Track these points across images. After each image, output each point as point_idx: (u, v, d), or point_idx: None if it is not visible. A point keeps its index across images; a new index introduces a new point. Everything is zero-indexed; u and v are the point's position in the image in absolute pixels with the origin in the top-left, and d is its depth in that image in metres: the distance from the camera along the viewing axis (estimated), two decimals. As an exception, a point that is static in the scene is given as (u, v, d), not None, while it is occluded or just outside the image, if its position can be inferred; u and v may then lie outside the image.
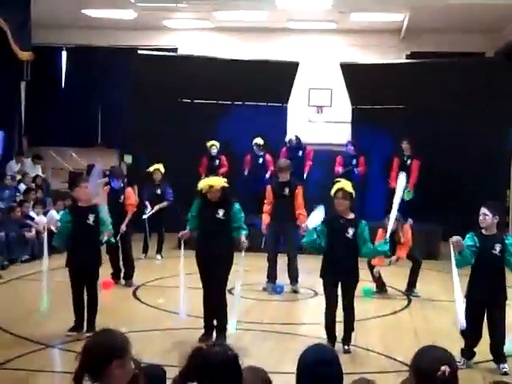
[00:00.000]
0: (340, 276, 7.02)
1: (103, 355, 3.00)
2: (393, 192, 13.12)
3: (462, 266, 6.54)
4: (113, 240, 8.15)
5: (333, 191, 7.06)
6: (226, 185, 7.26)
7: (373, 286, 9.70)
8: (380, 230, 9.52)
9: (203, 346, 2.92)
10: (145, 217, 11.92)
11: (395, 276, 10.14)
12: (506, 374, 6.38)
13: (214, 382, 2.74)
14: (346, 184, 7.08)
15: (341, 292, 7.08)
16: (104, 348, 3.04)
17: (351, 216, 7.03)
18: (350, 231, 6.91)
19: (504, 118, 14.80)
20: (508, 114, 15.16)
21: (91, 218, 7.29)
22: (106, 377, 2.98)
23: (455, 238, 6.45)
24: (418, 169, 13.66)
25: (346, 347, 7.01)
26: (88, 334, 7.03)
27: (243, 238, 7.27)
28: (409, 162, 13.65)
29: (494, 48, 16.99)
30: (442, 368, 2.97)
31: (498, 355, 6.58)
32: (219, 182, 7.27)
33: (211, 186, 7.18)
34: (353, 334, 7.12)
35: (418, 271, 9.80)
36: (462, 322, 6.22)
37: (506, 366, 6.51)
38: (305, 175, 13.74)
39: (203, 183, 7.27)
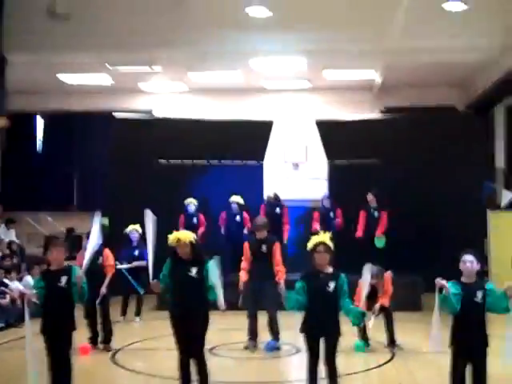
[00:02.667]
0: (322, 331, 6.89)
1: None
2: (361, 243, 13.32)
3: (448, 310, 6.48)
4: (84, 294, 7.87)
5: (311, 245, 6.99)
6: (194, 240, 7.12)
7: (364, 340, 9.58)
8: (360, 282, 9.47)
9: None
10: (119, 267, 11.70)
11: (377, 328, 10.00)
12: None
13: None
14: (325, 237, 7.02)
15: (323, 347, 6.94)
16: None
17: (330, 270, 6.95)
18: (331, 285, 6.81)
19: (477, 169, 15.01)
20: (481, 165, 15.40)
21: (63, 280, 7.11)
22: None
23: (441, 281, 6.41)
24: (387, 218, 13.65)
25: (331, 403, 6.84)
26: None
27: (220, 299, 7.11)
28: (376, 213, 13.67)
29: (464, 101, 17.36)
30: None
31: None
32: (187, 235, 7.14)
33: (178, 240, 7.03)
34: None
35: (393, 322, 9.70)
36: (435, 344, 6.11)
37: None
38: (285, 240, 13.63)
39: (171, 237, 7.11)
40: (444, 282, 6.41)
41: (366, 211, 13.73)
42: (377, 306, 9.48)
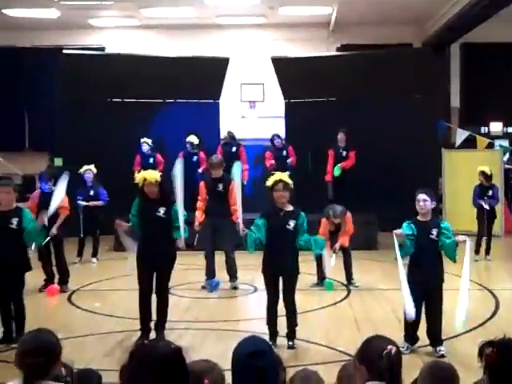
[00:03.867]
0: (281, 270, 6.93)
1: (50, 355, 3.11)
2: (331, 184, 13.37)
3: (405, 255, 6.58)
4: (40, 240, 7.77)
5: (269, 183, 6.96)
6: (159, 179, 7.10)
7: (331, 278, 9.69)
8: (323, 220, 9.54)
9: (145, 342, 2.82)
10: (79, 202, 11.56)
11: (334, 268, 10.10)
12: (443, 356, 6.45)
13: (159, 376, 2.61)
14: (283, 175, 6.99)
15: (282, 286, 6.98)
16: (49, 348, 3.14)
17: (290, 208, 6.93)
18: (291, 223, 6.80)
19: (433, 108, 15.07)
20: (437, 105, 15.46)
21: (14, 221, 6.96)
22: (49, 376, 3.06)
23: (399, 231, 6.48)
24: (355, 158, 13.64)
25: (291, 343, 6.93)
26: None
27: (178, 241, 7.23)
28: (344, 153, 13.63)
29: (421, 39, 17.31)
30: (389, 347, 2.93)
31: (435, 339, 6.67)
32: (154, 175, 7.15)
33: (145, 179, 7.07)
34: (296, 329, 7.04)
35: (351, 261, 9.83)
36: (411, 313, 6.21)
37: (442, 348, 6.61)
38: (245, 181, 13.50)
39: (139, 176, 7.19)
40: (400, 231, 6.48)
41: (334, 151, 13.67)
42: (337, 245, 9.57)
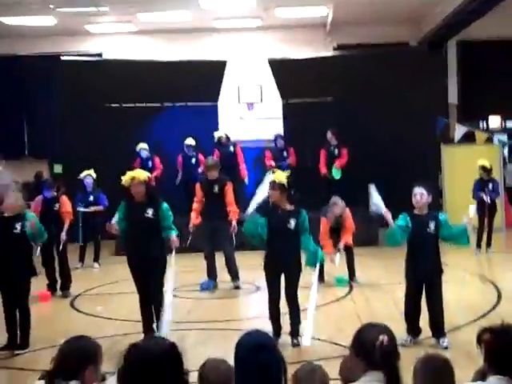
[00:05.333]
0: (283, 267, 6.94)
1: (79, 360, 3.12)
2: (325, 181, 13.35)
3: (391, 242, 6.63)
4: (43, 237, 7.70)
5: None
6: (147, 178, 7.07)
7: (344, 274, 9.74)
8: (323, 219, 9.58)
9: (136, 343, 2.79)
10: (79, 209, 11.61)
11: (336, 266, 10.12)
12: (446, 348, 6.45)
13: (155, 374, 2.61)
14: (277, 175, 7.00)
15: (284, 284, 7.00)
16: (80, 353, 3.17)
17: (290, 207, 6.95)
18: (292, 222, 6.83)
19: (431, 105, 15.10)
20: (435, 101, 15.49)
21: (18, 227, 6.99)
22: (80, 379, 3.09)
23: (388, 214, 6.51)
24: (347, 154, 13.67)
25: (295, 341, 6.93)
26: (21, 351, 6.78)
27: (174, 238, 7.13)
28: (336, 151, 13.66)
29: (417, 37, 17.33)
30: (380, 337, 2.93)
31: (438, 330, 6.68)
32: (141, 173, 7.09)
33: (133, 178, 6.96)
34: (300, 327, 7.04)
35: (354, 258, 9.84)
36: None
37: (445, 340, 6.61)
38: (245, 179, 13.60)
39: (126, 176, 7.05)
40: (389, 214, 6.53)
41: (326, 150, 13.70)
42: (341, 244, 9.62)
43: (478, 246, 11.83)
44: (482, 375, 3.32)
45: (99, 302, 9.29)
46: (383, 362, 2.92)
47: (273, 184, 6.85)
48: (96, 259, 12.08)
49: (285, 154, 14.01)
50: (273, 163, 13.64)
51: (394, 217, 6.82)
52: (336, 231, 9.69)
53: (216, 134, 13.98)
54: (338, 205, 9.58)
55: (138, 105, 15.53)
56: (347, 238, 9.69)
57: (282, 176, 6.94)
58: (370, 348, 2.93)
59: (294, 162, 13.88)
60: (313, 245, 7.02)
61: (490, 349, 3.09)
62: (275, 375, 2.82)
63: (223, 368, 3.65)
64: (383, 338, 2.94)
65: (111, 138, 14.71)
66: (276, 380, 2.81)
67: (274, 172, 7.25)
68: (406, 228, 6.59)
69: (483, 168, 12.11)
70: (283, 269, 6.94)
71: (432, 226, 6.63)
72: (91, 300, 9.55)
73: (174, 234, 7.12)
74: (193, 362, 2.88)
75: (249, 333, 2.98)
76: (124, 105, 15.56)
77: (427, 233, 6.62)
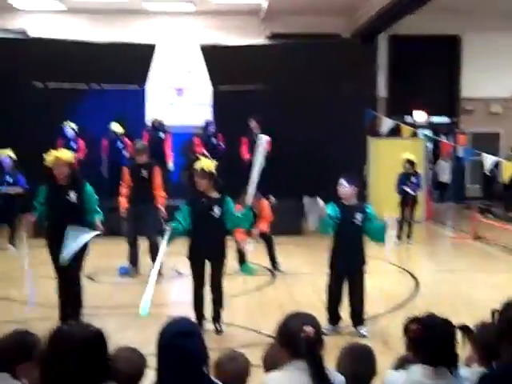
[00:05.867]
0: (208, 255, 6.85)
1: (15, 354, 3.09)
2: (245, 169, 13.17)
3: (323, 231, 6.63)
4: None
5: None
6: (72, 159, 6.83)
7: (250, 262, 9.70)
8: (238, 206, 9.52)
9: (62, 326, 2.76)
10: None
11: (258, 252, 10.12)
12: (364, 336, 6.52)
13: (79, 358, 2.57)
14: (205, 163, 6.89)
15: (209, 271, 6.90)
16: (18, 347, 3.13)
17: (215, 194, 6.85)
18: (216, 210, 6.73)
19: (360, 97, 15.26)
20: (364, 94, 15.67)
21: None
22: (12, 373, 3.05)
23: (322, 203, 6.47)
24: (269, 145, 13.53)
25: (218, 327, 6.87)
26: None
27: (98, 222, 6.95)
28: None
29: (349, 30, 17.48)
30: (305, 328, 2.91)
31: (357, 320, 6.75)
32: (67, 154, 6.83)
33: (57, 158, 6.69)
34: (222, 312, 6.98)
35: (273, 246, 9.83)
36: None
37: (364, 328, 6.70)
38: (170, 165, 13.46)
39: (50, 156, 6.75)
40: (322, 203, 6.50)
41: (248, 138, 13.58)
42: (255, 231, 9.59)
43: (398, 237, 12.06)
44: (402, 363, 3.35)
45: (13, 285, 8.98)
46: (307, 352, 2.93)
47: (202, 172, 6.73)
48: (11, 242, 11.66)
49: (214, 140, 13.87)
50: (203, 150, 13.50)
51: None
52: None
53: (150, 118, 13.78)
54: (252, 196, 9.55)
55: (62, 86, 15.08)
56: (262, 226, 9.69)
57: (210, 164, 6.84)
58: (295, 338, 2.93)
59: (223, 149, 13.76)
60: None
61: (417, 338, 3.11)
62: (199, 362, 2.79)
63: (134, 356, 3.56)
64: (308, 328, 2.93)
65: (33, 118, 14.24)
66: (199, 367, 2.78)
67: (198, 159, 7.14)
68: (336, 219, 6.59)
69: (408, 161, 12.31)
70: (208, 257, 6.85)
71: (359, 217, 6.66)
72: (4, 282, 9.20)
73: (97, 218, 6.93)
74: (112, 349, 2.78)
75: (174, 319, 2.93)
76: (48, 84, 15.08)
77: (354, 223, 6.64)
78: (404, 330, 3.20)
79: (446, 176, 18.21)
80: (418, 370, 3.08)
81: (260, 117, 13.48)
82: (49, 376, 2.61)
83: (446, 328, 3.13)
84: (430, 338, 3.07)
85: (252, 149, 13.37)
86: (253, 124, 13.58)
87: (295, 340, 2.94)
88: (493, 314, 3.16)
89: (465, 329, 3.28)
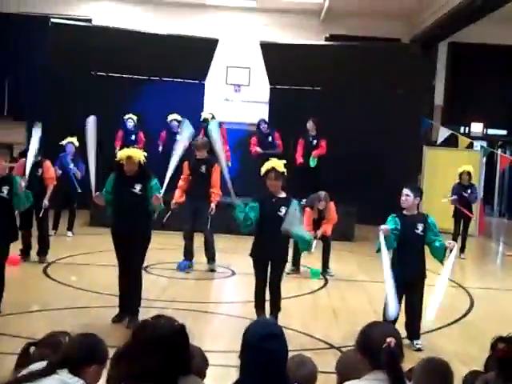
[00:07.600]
0: (271, 255, 6.90)
1: (86, 356, 3.12)
2: (300, 169, 13.13)
3: (390, 248, 6.57)
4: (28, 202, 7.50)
5: (263, 170, 6.90)
6: (144, 159, 6.94)
7: (319, 267, 9.79)
8: (307, 210, 9.59)
9: (147, 320, 2.84)
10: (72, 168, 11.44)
11: (311, 256, 10.14)
12: (419, 350, 6.49)
13: (166, 352, 2.68)
14: (277, 163, 6.91)
15: (270, 271, 6.95)
16: (88, 350, 3.17)
17: (283, 195, 6.91)
18: (283, 210, 6.76)
19: (417, 105, 15.15)
20: (420, 101, 15.54)
21: (5, 190, 6.84)
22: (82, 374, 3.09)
23: (384, 227, 6.42)
24: (325, 146, 13.48)
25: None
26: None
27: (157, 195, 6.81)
28: (315, 142, 13.49)
29: (409, 35, 17.35)
30: (388, 340, 2.92)
31: (413, 332, 6.69)
32: (139, 154, 6.95)
33: (129, 157, 6.81)
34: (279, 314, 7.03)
35: (329, 250, 9.87)
36: (393, 313, 6.05)
37: (419, 342, 6.65)
38: (228, 162, 13.45)
39: (122, 153, 6.90)
40: (385, 226, 6.44)
41: (304, 139, 13.59)
42: (319, 231, 9.68)
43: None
44: (485, 382, 3.36)
45: (73, 272, 9.19)
46: (389, 364, 2.93)
47: (276, 174, 6.78)
48: (70, 228, 11.92)
49: (270, 138, 13.86)
50: (258, 149, 13.54)
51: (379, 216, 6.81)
52: (317, 221, 9.75)
53: (203, 114, 13.79)
54: (321, 201, 9.63)
55: (124, 75, 15.30)
56: (327, 228, 9.74)
57: (280, 164, 6.88)
58: (377, 348, 2.93)
59: (281, 146, 13.72)
60: (306, 233, 7.04)
61: (503, 358, 3.13)
62: (282, 364, 2.85)
63: (201, 352, 3.65)
64: (391, 341, 2.94)
65: (94, 106, 14.38)
66: (282, 368, 2.84)
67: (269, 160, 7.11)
68: (396, 231, 6.56)
69: (468, 173, 12.16)
70: (271, 257, 6.90)
71: (420, 227, 6.63)
72: (65, 269, 9.41)
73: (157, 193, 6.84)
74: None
75: (257, 321, 3.01)
76: (110, 74, 15.31)
77: (415, 233, 6.62)
78: (491, 348, 3.22)
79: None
80: None
81: (318, 118, 13.44)
82: (134, 369, 2.68)
83: None
84: None
85: (307, 151, 13.44)
86: (310, 125, 13.52)
87: (377, 350, 2.94)
88: None
89: None
